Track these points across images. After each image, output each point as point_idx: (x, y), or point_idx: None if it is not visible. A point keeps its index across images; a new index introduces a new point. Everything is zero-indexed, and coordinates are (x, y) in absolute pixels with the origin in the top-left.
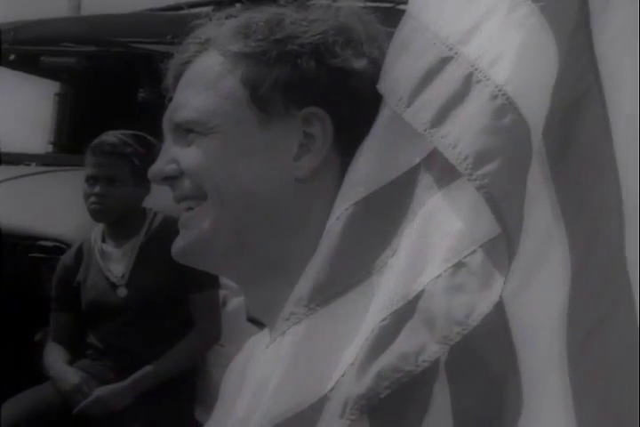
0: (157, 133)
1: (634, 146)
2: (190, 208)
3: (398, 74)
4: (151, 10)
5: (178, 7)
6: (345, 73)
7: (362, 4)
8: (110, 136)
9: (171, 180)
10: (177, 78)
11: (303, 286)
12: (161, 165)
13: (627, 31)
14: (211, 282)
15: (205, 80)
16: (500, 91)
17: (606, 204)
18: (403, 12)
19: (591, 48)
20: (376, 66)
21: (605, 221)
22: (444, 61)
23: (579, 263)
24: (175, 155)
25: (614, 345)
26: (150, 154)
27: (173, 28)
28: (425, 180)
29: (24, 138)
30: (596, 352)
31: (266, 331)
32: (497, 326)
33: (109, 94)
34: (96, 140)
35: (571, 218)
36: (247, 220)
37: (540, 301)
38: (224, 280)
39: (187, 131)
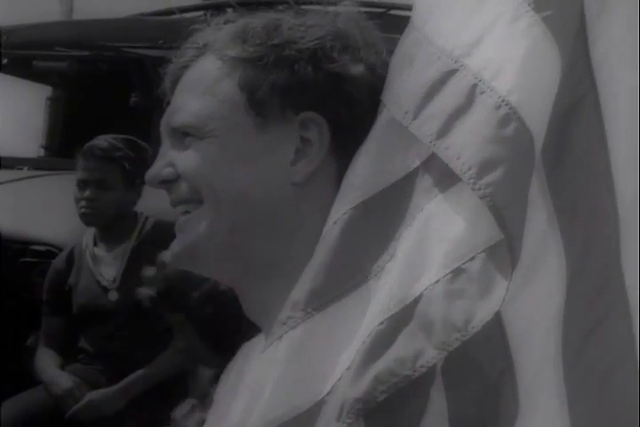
0: (149, 138)
1: (631, 153)
2: (187, 212)
3: (403, 87)
4: (143, 14)
5: (169, 12)
6: (342, 78)
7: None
8: (101, 140)
9: (167, 183)
10: (174, 83)
11: (300, 289)
12: (158, 169)
13: (623, 39)
14: None
15: (203, 84)
16: (503, 101)
17: (602, 208)
18: (395, 17)
19: (587, 55)
20: (373, 71)
21: (601, 226)
22: (449, 74)
23: (574, 268)
24: (172, 158)
25: (610, 348)
26: (141, 158)
27: (165, 32)
28: (423, 184)
29: (16, 142)
30: (591, 356)
31: (261, 335)
32: (493, 331)
33: (101, 99)
34: (87, 145)
35: (566, 223)
36: (243, 223)
37: (536, 305)
38: None
39: (184, 134)
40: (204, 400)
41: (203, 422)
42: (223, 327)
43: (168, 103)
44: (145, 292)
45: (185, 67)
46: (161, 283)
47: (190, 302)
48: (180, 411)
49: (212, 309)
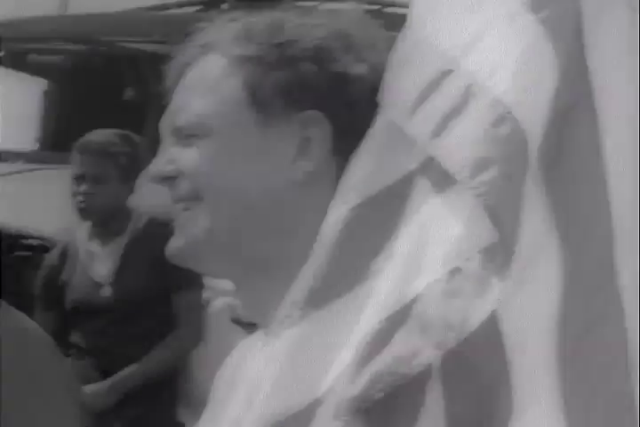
0: (144, 132)
1: (626, 154)
2: (187, 209)
3: (399, 87)
4: (138, 9)
5: (165, 7)
6: (344, 78)
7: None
8: (96, 135)
9: (168, 180)
10: (177, 80)
11: (298, 288)
12: (159, 165)
13: (619, 41)
14: (193, 282)
15: (206, 82)
16: (498, 101)
17: (596, 209)
18: (390, 14)
19: (583, 56)
20: (376, 71)
21: (595, 227)
22: (444, 75)
23: (570, 268)
24: (173, 155)
25: (605, 348)
26: (136, 153)
27: (160, 27)
28: (421, 186)
29: (11, 135)
30: (587, 356)
31: (258, 333)
32: (489, 331)
33: (96, 92)
34: (82, 139)
35: (562, 223)
36: (243, 221)
37: (532, 305)
38: (208, 281)
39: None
40: None
41: None
42: None
43: (170, 101)
44: None
45: (188, 65)
46: None
47: None
48: None
49: None
